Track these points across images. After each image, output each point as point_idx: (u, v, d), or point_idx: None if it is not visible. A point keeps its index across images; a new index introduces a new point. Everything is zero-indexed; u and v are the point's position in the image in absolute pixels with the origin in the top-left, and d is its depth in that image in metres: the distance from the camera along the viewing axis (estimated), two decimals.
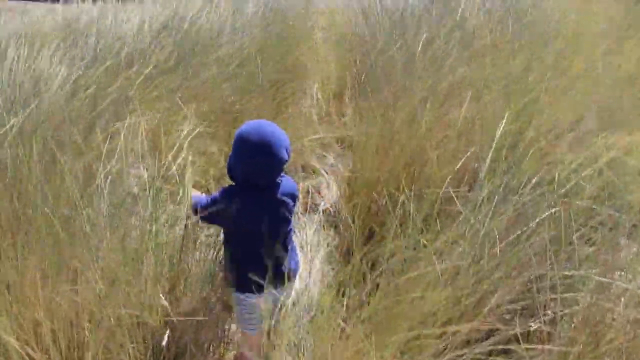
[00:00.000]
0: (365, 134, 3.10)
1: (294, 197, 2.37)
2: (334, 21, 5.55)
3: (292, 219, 2.41)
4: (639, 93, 3.08)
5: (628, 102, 2.84)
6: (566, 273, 2.43)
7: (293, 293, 2.51)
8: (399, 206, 2.68)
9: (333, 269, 3.45)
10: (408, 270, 2.39)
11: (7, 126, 2.57)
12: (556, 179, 2.52)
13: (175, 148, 2.41)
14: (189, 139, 2.58)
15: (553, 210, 2.47)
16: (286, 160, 2.23)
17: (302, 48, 4.64)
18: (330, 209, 3.89)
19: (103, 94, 2.99)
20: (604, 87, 2.90)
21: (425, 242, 2.46)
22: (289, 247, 2.42)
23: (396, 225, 2.55)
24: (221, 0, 4.95)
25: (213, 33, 4.21)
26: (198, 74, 3.74)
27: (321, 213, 3.81)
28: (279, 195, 2.29)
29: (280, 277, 2.26)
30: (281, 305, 2.25)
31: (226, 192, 2.28)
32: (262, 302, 2.21)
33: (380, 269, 2.42)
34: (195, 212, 2.27)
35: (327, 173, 4.10)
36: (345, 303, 2.55)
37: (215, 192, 2.34)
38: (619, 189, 2.57)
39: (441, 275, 2.33)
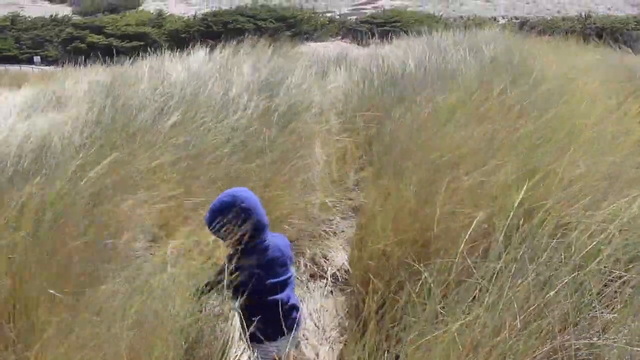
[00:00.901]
0: (374, 201, 3.08)
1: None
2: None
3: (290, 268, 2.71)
4: None
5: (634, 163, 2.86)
6: (591, 342, 2.37)
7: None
8: (415, 276, 2.64)
9: (342, 335, 3.37)
10: (427, 344, 2.32)
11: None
12: (573, 244, 2.49)
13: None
14: None
15: (572, 276, 2.44)
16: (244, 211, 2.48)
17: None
18: (338, 273, 3.82)
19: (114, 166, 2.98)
20: (613, 150, 2.93)
21: (443, 312, 2.40)
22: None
23: (412, 297, 2.51)
24: None
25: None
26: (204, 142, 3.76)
27: (329, 278, 3.74)
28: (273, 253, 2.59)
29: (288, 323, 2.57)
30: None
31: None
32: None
33: (400, 345, 2.35)
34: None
35: (333, 237, 4.04)
36: None
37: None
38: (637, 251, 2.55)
39: (462, 348, 2.27)
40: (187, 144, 3.85)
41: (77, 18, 24.98)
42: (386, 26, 20.46)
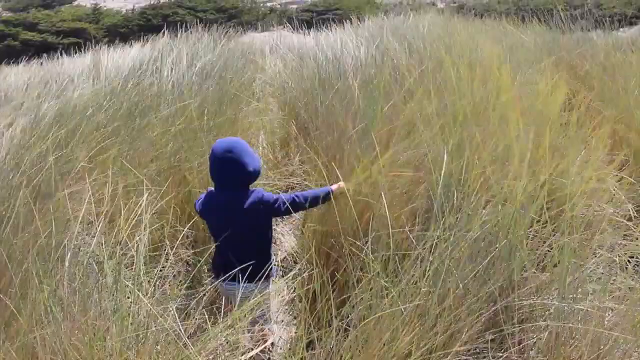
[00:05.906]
0: (315, 182, 3.14)
1: (260, 204, 2.68)
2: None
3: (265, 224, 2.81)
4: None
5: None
6: (529, 302, 2.51)
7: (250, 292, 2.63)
8: (359, 251, 2.72)
9: (296, 317, 3.42)
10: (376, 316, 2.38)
11: None
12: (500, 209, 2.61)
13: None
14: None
15: (504, 241, 2.56)
16: (246, 167, 2.64)
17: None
18: (288, 257, 3.88)
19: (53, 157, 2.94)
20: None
21: (387, 285, 2.47)
22: (256, 251, 2.77)
23: (358, 272, 2.58)
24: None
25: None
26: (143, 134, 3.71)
27: (279, 263, 3.79)
28: (245, 205, 2.64)
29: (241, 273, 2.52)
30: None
31: (204, 195, 2.83)
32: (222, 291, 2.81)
33: (347, 318, 2.42)
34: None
35: (281, 221, 4.09)
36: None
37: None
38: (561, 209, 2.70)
39: (408, 317, 2.34)
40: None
41: (7, 14, 23.90)
42: (327, 14, 20.44)
